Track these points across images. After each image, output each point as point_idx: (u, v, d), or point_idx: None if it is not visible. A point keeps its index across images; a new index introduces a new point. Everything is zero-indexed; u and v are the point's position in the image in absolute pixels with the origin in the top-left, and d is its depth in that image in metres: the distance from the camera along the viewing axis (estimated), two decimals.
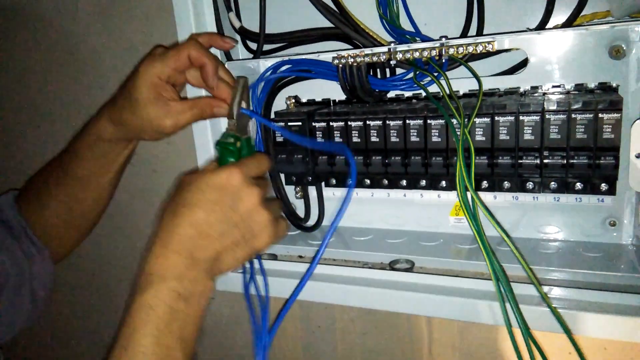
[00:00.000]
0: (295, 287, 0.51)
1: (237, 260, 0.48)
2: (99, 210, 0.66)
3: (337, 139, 0.60)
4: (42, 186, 0.63)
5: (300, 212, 0.70)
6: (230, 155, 0.51)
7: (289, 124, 0.61)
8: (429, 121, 0.55)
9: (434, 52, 0.54)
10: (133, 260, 0.92)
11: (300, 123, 0.61)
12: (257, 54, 0.65)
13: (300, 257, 0.67)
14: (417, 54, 0.54)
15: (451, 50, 0.53)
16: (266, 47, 0.67)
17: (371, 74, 0.59)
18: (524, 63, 0.55)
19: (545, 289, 0.52)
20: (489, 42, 0.52)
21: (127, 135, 0.58)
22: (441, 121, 0.54)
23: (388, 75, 0.60)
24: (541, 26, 0.54)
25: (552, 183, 0.53)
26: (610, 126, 0.48)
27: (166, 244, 0.45)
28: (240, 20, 0.66)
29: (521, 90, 0.56)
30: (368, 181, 0.61)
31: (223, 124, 0.66)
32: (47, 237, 0.63)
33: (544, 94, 0.55)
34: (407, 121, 0.56)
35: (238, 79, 0.53)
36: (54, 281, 0.64)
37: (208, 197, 0.45)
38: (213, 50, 0.61)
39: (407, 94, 0.62)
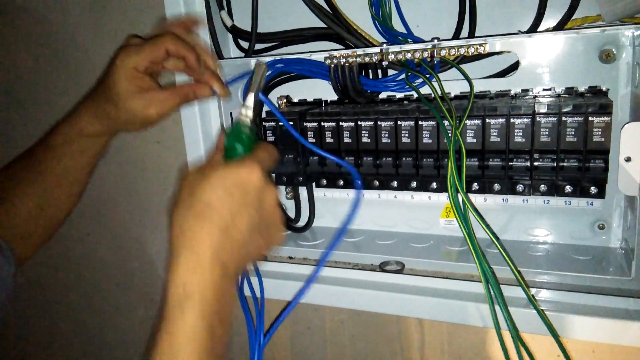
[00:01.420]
0: (297, 293, 0.51)
1: (253, 260, 0.46)
2: (71, 207, 0.63)
3: (329, 140, 0.60)
4: (10, 183, 0.60)
5: (291, 213, 0.70)
6: (243, 147, 0.46)
7: (280, 123, 0.61)
8: (420, 122, 0.55)
9: (425, 54, 0.54)
10: (121, 259, 0.91)
11: (291, 123, 0.60)
12: (249, 53, 0.65)
13: (291, 258, 0.67)
14: (409, 55, 0.54)
15: (443, 52, 0.53)
16: (258, 46, 0.66)
17: (363, 74, 0.59)
18: (515, 66, 0.56)
19: (534, 291, 0.52)
20: (480, 45, 0.52)
21: (111, 129, 0.57)
22: (432, 122, 0.54)
23: (380, 76, 0.60)
24: (532, 29, 0.54)
25: (542, 186, 0.53)
26: (600, 129, 0.48)
27: (198, 253, 0.39)
28: (232, 18, 0.66)
29: (512, 92, 0.56)
30: (359, 182, 0.61)
31: (214, 120, 0.65)
32: (12, 235, 0.58)
33: (535, 96, 0.55)
34: (399, 122, 0.56)
35: (257, 64, 0.51)
36: (16, 283, 0.58)
37: (233, 197, 0.41)
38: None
39: (399, 95, 0.62)
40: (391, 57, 0.55)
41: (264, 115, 0.64)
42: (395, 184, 0.59)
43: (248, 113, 0.48)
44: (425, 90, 0.55)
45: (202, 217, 0.40)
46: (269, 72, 0.61)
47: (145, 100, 0.53)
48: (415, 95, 0.57)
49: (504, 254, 0.45)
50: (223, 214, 0.40)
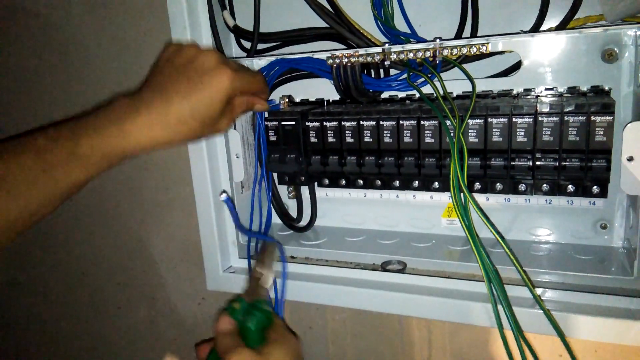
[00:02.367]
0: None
1: None
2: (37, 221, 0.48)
3: (331, 139, 0.60)
4: None
5: (293, 212, 0.70)
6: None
7: (282, 123, 0.61)
8: (422, 122, 0.55)
9: (428, 53, 0.54)
10: (123, 259, 0.91)
11: (293, 122, 0.60)
12: (251, 53, 0.65)
13: (292, 257, 0.67)
14: (411, 55, 0.54)
15: (445, 52, 0.53)
16: (260, 46, 0.66)
17: (365, 74, 0.59)
18: (517, 65, 0.56)
19: (538, 291, 0.52)
20: (482, 44, 0.52)
21: (175, 144, 0.48)
22: (434, 122, 0.54)
23: (382, 75, 0.60)
24: (535, 29, 0.54)
25: (544, 185, 0.53)
26: (603, 129, 0.48)
27: None
28: (234, 18, 0.66)
29: (514, 92, 0.56)
30: (361, 182, 0.61)
31: None
32: None
33: (537, 96, 0.55)
34: (401, 122, 0.56)
35: (271, 245, 0.55)
36: None
37: None
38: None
39: (401, 94, 0.62)
40: (393, 56, 0.55)
41: (266, 115, 0.64)
42: (397, 183, 0.60)
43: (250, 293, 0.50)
44: (428, 89, 0.55)
45: None
46: (273, 71, 0.62)
47: (225, 117, 0.51)
48: (418, 95, 0.57)
49: (509, 253, 0.45)
50: None
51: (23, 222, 0.46)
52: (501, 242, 0.46)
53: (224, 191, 0.49)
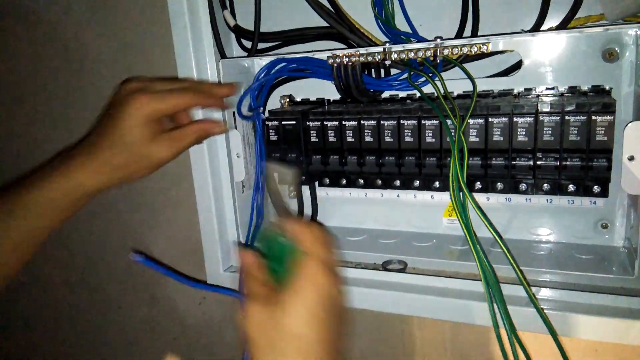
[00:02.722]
0: None
1: None
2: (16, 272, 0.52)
3: (332, 139, 0.60)
4: None
5: (293, 212, 0.70)
6: (286, 253, 0.42)
7: (283, 122, 0.61)
8: (423, 121, 0.55)
9: (428, 53, 0.54)
10: (124, 259, 0.92)
11: (294, 122, 0.60)
12: (252, 53, 0.65)
13: None
14: (411, 55, 0.54)
15: (446, 51, 0.53)
16: (260, 45, 0.66)
17: (366, 73, 0.59)
18: (518, 65, 0.56)
19: (536, 290, 0.52)
20: (483, 44, 0.52)
21: (117, 181, 0.51)
22: (435, 122, 0.54)
23: (383, 75, 0.60)
24: (535, 28, 0.54)
25: (545, 185, 0.53)
26: (603, 128, 0.48)
27: None
28: (234, 18, 0.66)
29: (515, 92, 0.56)
30: (362, 181, 0.61)
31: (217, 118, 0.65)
32: None
33: (538, 95, 0.55)
34: (402, 121, 0.56)
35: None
36: None
37: (323, 319, 0.39)
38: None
39: (402, 94, 0.62)
40: (394, 56, 0.55)
41: (266, 114, 0.64)
42: (398, 183, 0.60)
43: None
44: (428, 89, 0.55)
45: (307, 356, 0.38)
46: (273, 70, 0.62)
47: (159, 145, 0.50)
48: (418, 95, 0.57)
49: (507, 252, 0.45)
50: (325, 347, 0.38)
51: None
52: (498, 240, 0.46)
53: (138, 252, 0.49)
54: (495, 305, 0.46)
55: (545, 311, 0.47)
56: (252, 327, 0.39)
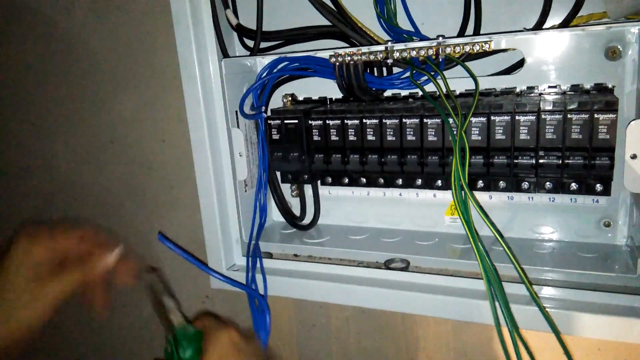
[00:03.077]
0: None
1: None
2: None
3: (334, 137, 0.60)
4: None
5: (296, 211, 0.70)
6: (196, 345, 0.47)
7: (285, 121, 0.61)
8: (425, 120, 0.55)
9: (431, 51, 0.54)
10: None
11: (296, 121, 0.60)
12: (254, 51, 0.65)
13: (296, 255, 0.67)
14: (414, 53, 0.54)
15: (448, 50, 0.53)
16: (263, 44, 0.66)
17: (368, 72, 0.59)
18: (520, 63, 0.56)
19: (539, 288, 0.52)
20: (485, 42, 0.52)
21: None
22: (437, 120, 0.54)
23: (385, 74, 0.60)
24: (538, 27, 0.54)
25: (548, 183, 0.53)
26: (606, 127, 0.48)
27: None
28: (237, 17, 0.66)
29: (517, 90, 0.56)
30: (364, 180, 0.61)
31: (219, 117, 0.65)
32: None
33: (540, 94, 0.55)
34: (404, 120, 0.56)
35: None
36: None
37: None
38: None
39: (404, 92, 0.62)
40: (396, 55, 0.55)
41: (269, 113, 0.64)
42: (400, 181, 0.60)
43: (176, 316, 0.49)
44: (430, 87, 0.55)
45: None
46: (276, 69, 0.62)
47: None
48: (420, 93, 0.57)
49: (507, 251, 0.45)
50: None
51: None
52: (499, 239, 0.46)
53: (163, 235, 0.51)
54: (497, 303, 0.46)
55: (547, 309, 0.47)
56: None
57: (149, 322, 0.95)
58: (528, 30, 0.55)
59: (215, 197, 0.65)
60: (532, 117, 0.50)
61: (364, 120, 0.58)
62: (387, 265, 0.61)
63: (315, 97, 0.66)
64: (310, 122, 0.61)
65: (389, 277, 0.59)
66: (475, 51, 0.53)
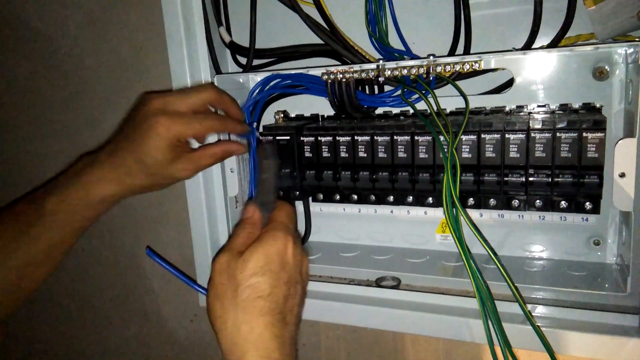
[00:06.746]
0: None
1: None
2: (50, 273, 0.54)
3: (325, 154, 0.60)
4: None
5: None
6: None
7: (277, 138, 0.61)
8: (416, 137, 0.55)
9: (421, 70, 0.54)
10: (116, 274, 0.91)
11: (288, 137, 0.61)
12: (247, 69, 0.65)
13: None
14: (405, 72, 0.55)
15: (439, 69, 0.54)
16: (256, 62, 0.67)
17: (360, 90, 0.59)
18: (510, 83, 0.56)
19: (530, 307, 0.52)
20: (475, 61, 0.53)
21: (131, 192, 0.53)
22: (428, 138, 0.54)
23: (376, 91, 0.61)
24: (527, 47, 0.55)
25: (538, 201, 0.53)
26: (594, 145, 0.49)
27: (267, 348, 0.41)
28: (230, 34, 0.67)
29: (507, 109, 0.57)
30: (355, 197, 0.61)
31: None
32: None
33: (529, 113, 0.56)
34: (395, 137, 0.56)
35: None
36: None
37: (280, 278, 0.43)
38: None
39: (395, 110, 0.62)
40: (387, 73, 0.56)
41: (260, 129, 0.64)
42: (391, 198, 0.60)
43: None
44: (421, 106, 0.56)
45: (256, 308, 0.41)
46: (268, 87, 0.62)
47: (180, 164, 0.52)
48: (412, 111, 0.57)
49: (501, 269, 0.45)
50: (277, 301, 0.42)
51: (12, 286, 0.51)
52: (493, 257, 0.46)
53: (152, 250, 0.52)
54: (489, 322, 0.46)
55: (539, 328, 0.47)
56: (214, 273, 0.44)
57: (135, 340, 0.93)
58: (517, 50, 0.56)
59: (205, 212, 0.65)
60: (522, 136, 0.51)
61: (356, 137, 0.58)
62: (378, 283, 0.60)
63: (307, 114, 0.67)
64: (302, 138, 0.61)
65: (380, 295, 0.59)
66: (465, 70, 0.53)
